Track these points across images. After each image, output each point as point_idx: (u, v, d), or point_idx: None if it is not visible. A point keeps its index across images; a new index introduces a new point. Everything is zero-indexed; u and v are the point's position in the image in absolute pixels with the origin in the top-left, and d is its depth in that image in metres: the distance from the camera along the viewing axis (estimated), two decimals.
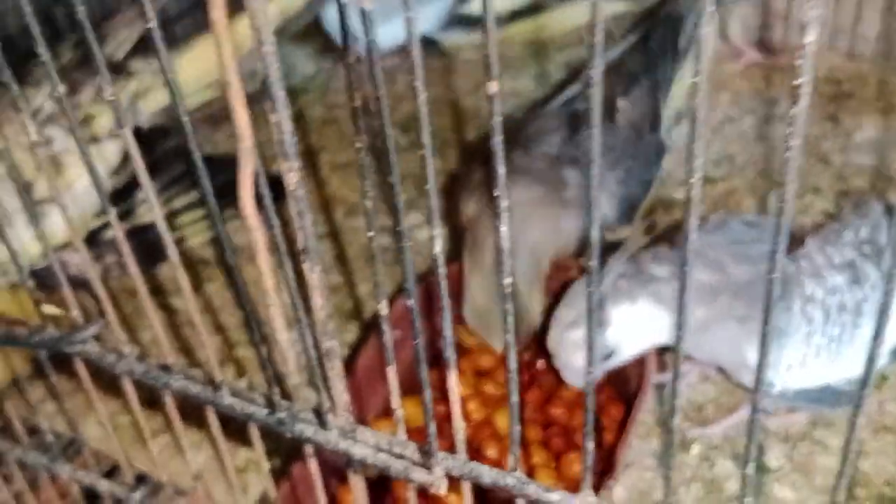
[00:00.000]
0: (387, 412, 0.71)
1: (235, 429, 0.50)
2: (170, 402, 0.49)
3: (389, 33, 0.95)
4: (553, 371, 0.67)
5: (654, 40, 0.83)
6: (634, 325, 0.63)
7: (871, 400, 0.68)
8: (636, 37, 0.88)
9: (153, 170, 0.83)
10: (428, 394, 0.37)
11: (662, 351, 0.69)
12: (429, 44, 1.08)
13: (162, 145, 0.85)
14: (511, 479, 0.39)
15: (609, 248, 0.75)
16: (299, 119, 1.05)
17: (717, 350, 0.65)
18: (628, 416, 0.64)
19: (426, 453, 0.39)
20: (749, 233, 0.66)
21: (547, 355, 0.66)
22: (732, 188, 0.90)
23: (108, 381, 0.59)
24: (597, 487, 0.59)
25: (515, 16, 1.08)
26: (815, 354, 0.62)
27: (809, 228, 0.83)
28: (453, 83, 1.06)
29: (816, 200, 0.88)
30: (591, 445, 0.37)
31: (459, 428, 0.39)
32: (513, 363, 0.37)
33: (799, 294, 0.62)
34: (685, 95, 0.88)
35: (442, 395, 0.51)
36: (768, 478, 0.66)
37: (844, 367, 0.63)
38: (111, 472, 0.68)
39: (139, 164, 0.38)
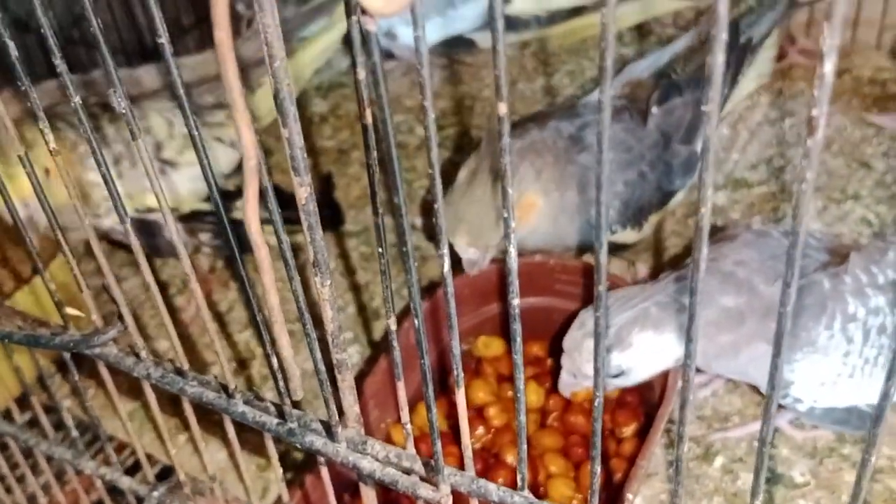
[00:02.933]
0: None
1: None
2: (188, 406, 0.50)
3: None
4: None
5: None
6: (655, 353, 0.63)
7: None
8: (687, 44, 0.87)
9: None
10: (434, 413, 0.37)
11: None
12: (465, 42, 1.07)
13: None
14: (518, 497, 0.38)
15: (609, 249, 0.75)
16: (332, 114, 1.05)
17: (750, 373, 0.64)
18: (651, 424, 0.63)
19: (433, 470, 0.38)
20: (787, 246, 0.64)
21: (557, 353, 0.66)
22: (769, 192, 0.88)
23: (131, 379, 0.60)
24: (615, 499, 0.59)
25: (556, 17, 1.08)
26: (849, 374, 0.61)
27: (847, 238, 0.81)
28: (487, 80, 1.05)
29: (856, 207, 0.86)
30: (597, 468, 0.36)
31: (467, 445, 0.38)
32: (520, 382, 0.36)
33: (841, 311, 0.60)
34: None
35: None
36: (793, 493, 0.65)
37: (874, 391, 0.62)
38: (135, 467, 0.69)
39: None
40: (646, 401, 0.69)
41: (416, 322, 0.35)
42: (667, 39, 1.04)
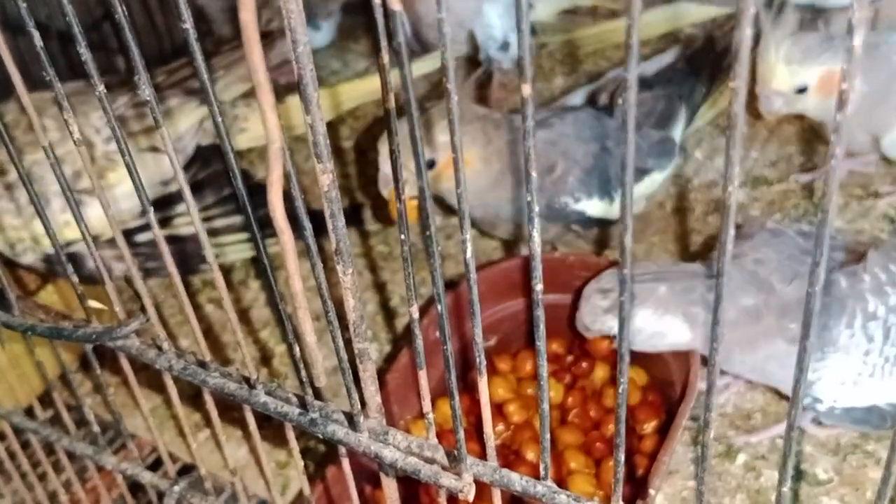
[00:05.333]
0: None
1: (279, 424, 0.50)
2: (209, 399, 0.50)
3: None
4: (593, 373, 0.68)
5: (694, 58, 0.88)
6: (653, 332, 0.64)
7: None
8: (677, 54, 0.91)
9: (203, 186, 0.85)
10: (456, 400, 0.36)
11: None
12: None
13: (215, 166, 0.86)
14: (541, 487, 0.38)
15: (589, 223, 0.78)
16: (351, 115, 1.05)
17: (769, 370, 0.63)
18: (672, 421, 0.62)
19: (455, 459, 0.38)
20: (803, 245, 0.64)
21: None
22: (789, 189, 0.88)
23: (153, 376, 0.60)
24: (637, 495, 0.59)
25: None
26: (869, 373, 0.60)
27: (867, 237, 0.81)
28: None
29: (878, 203, 0.85)
30: (621, 457, 0.36)
31: (490, 434, 0.38)
32: (544, 371, 0.36)
33: (861, 309, 0.60)
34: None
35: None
36: (817, 490, 0.64)
37: (895, 390, 0.61)
38: (157, 463, 0.69)
39: (179, 174, 0.38)
40: (667, 398, 0.69)
41: (438, 306, 0.35)
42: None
